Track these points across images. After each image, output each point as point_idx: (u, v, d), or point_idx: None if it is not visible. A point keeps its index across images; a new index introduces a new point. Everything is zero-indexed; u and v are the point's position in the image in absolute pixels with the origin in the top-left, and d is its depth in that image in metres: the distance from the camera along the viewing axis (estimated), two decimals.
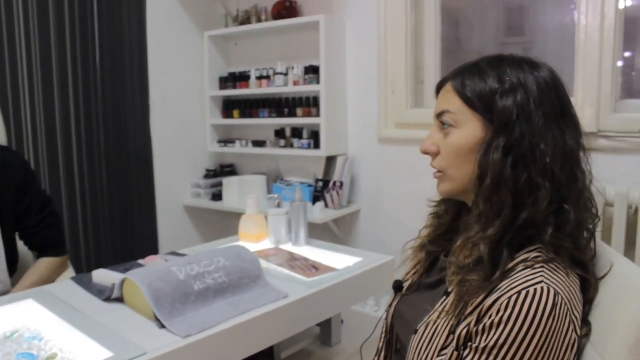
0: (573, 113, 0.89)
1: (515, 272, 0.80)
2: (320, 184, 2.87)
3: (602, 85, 2.08)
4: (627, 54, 2.18)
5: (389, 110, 2.68)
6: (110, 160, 2.84)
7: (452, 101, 0.91)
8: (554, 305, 0.75)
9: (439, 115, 0.93)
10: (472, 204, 0.91)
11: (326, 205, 2.79)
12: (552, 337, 0.74)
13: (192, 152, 3.29)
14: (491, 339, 0.76)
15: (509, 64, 0.89)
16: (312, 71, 2.78)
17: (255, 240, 1.99)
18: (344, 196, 2.82)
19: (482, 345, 0.77)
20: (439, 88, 0.97)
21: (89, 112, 2.72)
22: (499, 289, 0.79)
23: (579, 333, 0.78)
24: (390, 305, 1.09)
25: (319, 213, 2.69)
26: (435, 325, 0.87)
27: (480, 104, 0.87)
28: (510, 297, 0.76)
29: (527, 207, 0.82)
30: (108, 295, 1.37)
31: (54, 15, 2.55)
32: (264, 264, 1.72)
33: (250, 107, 3.13)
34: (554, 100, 0.86)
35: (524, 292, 0.76)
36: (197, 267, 1.35)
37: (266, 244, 1.99)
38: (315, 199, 2.86)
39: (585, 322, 0.83)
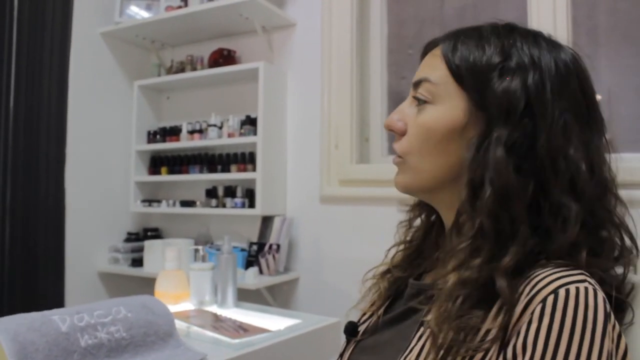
0: (600, 112, 0.68)
1: (531, 278, 0.57)
2: (255, 247, 2.58)
3: None
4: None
5: (332, 165, 2.46)
6: (16, 215, 2.46)
7: (436, 68, 0.69)
8: (607, 315, 0.53)
9: (416, 85, 0.71)
10: (456, 219, 0.66)
11: (261, 272, 2.49)
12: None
13: (112, 212, 2.93)
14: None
15: (522, 36, 0.67)
16: (249, 122, 2.56)
17: (174, 301, 1.67)
18: (281, 261, 2.53)
19: None
20: (426, 51, 0.74)
21: None
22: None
23: None
24: (341, 356, 0.79)
25: (252, 278, 2.38)
26: None
27: (471, 79, 0.65)
28: (545, 300, 0.53)
29: (555, 232, 0.60)
30: None
31: None
32: (182, 325, 1.42)
33: (180, 163, 2.85)
34: (577, 92, 0.64)
35: (562, 291, 0.53)
36: (88, 317, 1.04)
37: (187, 306, 1.68)
38: (249, 264, 2.55)
39: None
